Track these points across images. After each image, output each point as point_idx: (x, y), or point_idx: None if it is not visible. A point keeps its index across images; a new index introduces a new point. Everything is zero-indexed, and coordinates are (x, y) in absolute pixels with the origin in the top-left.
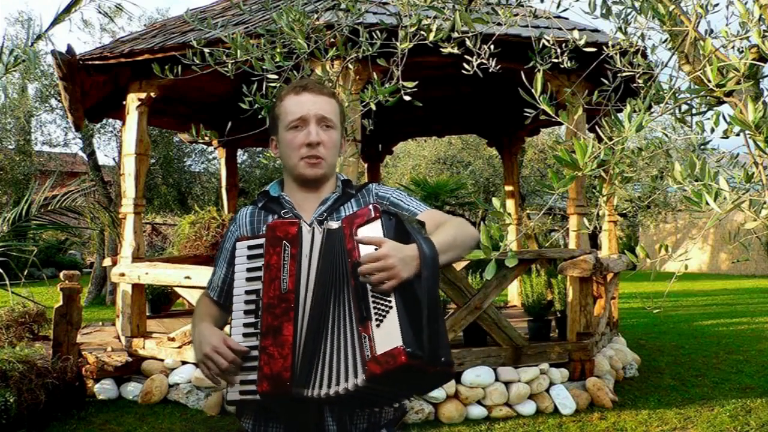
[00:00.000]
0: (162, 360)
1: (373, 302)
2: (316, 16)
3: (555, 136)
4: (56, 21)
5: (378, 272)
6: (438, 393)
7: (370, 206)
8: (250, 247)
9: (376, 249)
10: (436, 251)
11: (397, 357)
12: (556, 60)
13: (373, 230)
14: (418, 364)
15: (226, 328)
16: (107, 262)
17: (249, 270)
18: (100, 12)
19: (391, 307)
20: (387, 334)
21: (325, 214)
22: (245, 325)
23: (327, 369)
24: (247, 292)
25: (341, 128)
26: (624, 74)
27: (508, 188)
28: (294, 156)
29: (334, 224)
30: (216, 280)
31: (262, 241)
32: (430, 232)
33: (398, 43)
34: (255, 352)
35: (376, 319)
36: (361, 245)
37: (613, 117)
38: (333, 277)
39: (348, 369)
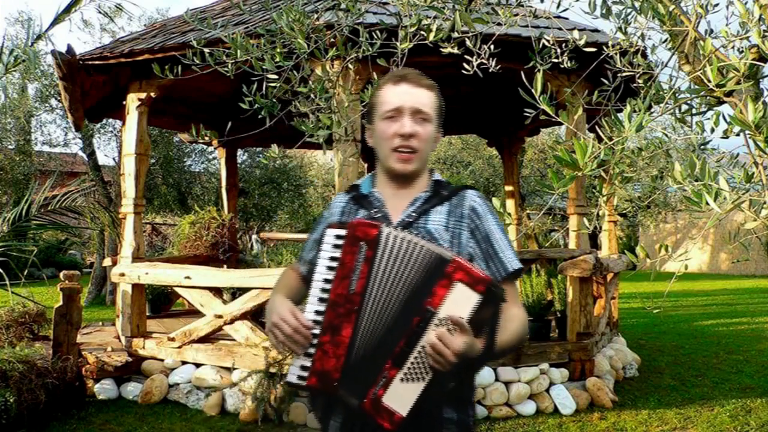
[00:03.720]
0: (162, 360)
1: (416, 358)
2: (316, 16)
3: (555, 136)
4: (56, 21)
5: (439, 355)
6: None
7: (482, 275)
8: (337, 237)
9: (452, 328)
10: (491, 358)
11: (392, 422)
12: (556, 60)
13: (465, 300)
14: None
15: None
16: (107, 262)
17: (331, 259)
18: (100, 12)
19: (423, 378)
20: (401, 395)
21: (414, 215)
22: (317, 312)
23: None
24: (326, 281)
25: (438, 122)
26: (624, 74)
27: (508, 188)
28: (386, 147)
29: (431, 247)
30: (305, 256)
31: (345, 232)
32: None
33: (398, 43)
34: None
35: (405, 375)
36: (444, 300)
37: (613, 117)
38: (404, 297)
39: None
